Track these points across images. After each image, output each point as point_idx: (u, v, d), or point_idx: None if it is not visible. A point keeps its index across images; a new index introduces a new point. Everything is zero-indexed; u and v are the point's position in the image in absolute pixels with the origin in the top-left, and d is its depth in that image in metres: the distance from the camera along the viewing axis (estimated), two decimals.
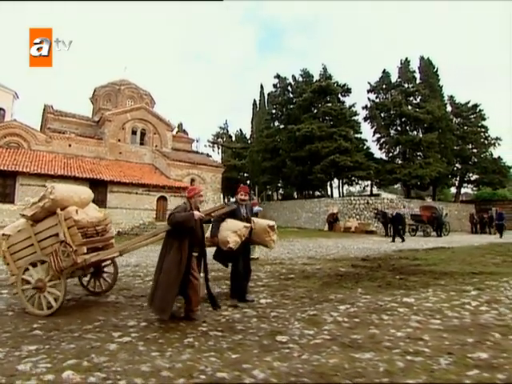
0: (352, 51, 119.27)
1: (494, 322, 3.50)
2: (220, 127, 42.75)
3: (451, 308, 3.98)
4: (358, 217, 21.21)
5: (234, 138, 42.94)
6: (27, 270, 3.64)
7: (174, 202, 18.80)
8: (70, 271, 3.68)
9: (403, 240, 14.38)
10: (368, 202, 21.26)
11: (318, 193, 31.94)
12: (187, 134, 38.53)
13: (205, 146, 41.84)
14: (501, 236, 16.43)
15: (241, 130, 41.87)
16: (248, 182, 38.33)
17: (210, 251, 4.01)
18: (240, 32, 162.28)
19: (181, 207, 3.53)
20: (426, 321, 3.49)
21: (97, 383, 1.98)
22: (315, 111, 25.18)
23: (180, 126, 44.56)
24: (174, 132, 33.79)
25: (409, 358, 2.56)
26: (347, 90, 27.04)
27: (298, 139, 25.00)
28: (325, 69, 27.94)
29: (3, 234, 3.90)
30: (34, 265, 3.66)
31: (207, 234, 4.04)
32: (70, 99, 79.29)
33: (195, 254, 3.46)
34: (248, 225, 4.01)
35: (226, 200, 36.30)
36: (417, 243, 13.58)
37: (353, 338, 2.96)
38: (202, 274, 3.61)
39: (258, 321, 3.41)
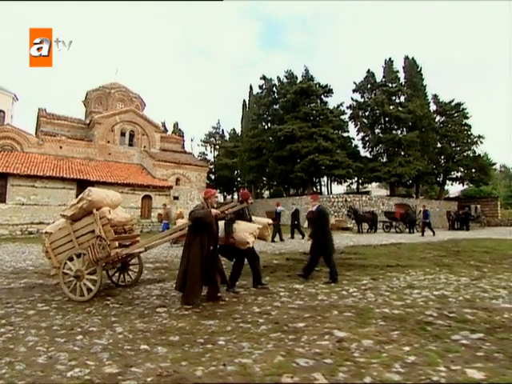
0: (352, 50, 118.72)
1: (347, 303, 4.01)
2: (213, 127, 43.77)
3: (327, 293, 4.54)
4: (336, 214, 22.08)
5: (228, 137, 43.84)
6: (70, 260, 4.21)
7: (158, 201, 19.89)
8: (105, 262, 4.23)
9: (292, 237, 13.98)
10: (346, 200, 22.12)
11: (307, 191, 32.77)
12: (183, 134, 39.54)
13: (198, 145, 42.90)
14: (422, 234, 15.79)
15: (234, 130, 42.83)
16: (240, 180, 39.32)
17: None
18: (241, 29, 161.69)
19: (199, 206, 4.19)
20: (289, 301, 4.09)
21: (4, 332, 3.04)
22: (298, 112, 26.00)
23: (176, 125, 45.41)
24: (170, 132, 34.87)
25: (241, 324, 3.19)
26: (329, 91, 27.87)
27: (280, 139, 25.94)
28: (307, 70, 28.91)
29: (45, 232, 4.60)
30: (73, 257, 4.22)
31: (220, 235, 4.41)
32: (70, 101, 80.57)
33: (211, 248, 4.07)
34: (261, 226, 4.47)
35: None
36: (376, 239, 14.00)
37: (215, 311, 3.71)
38: None
39: (157, 299, 4.33)
